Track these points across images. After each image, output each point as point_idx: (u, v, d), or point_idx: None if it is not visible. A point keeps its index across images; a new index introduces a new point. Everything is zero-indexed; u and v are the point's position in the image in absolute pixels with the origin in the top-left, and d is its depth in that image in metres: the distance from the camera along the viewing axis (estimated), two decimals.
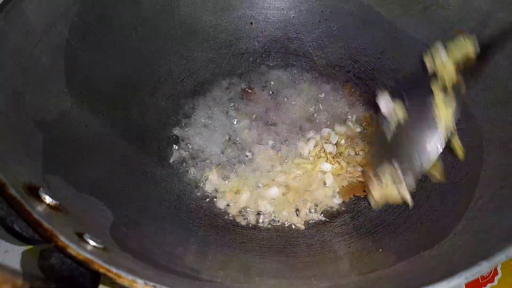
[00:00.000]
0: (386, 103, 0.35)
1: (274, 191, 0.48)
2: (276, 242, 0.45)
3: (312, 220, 0.47)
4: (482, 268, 0.28)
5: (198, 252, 0.39)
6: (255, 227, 0.45)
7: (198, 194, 0.49)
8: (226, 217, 0.47)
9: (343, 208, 0.48)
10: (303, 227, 0.46)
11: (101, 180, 0.42)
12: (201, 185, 0.49)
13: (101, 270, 0.27)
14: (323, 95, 0.57)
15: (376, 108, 0.41)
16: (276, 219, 0.47)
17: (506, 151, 0.40)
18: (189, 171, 0.50)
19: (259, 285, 0.35)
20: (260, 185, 0.49)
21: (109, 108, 0.48)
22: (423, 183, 0.44)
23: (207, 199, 0.48)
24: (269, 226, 0.47)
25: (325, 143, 0.52)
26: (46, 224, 0.28)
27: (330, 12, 0.57)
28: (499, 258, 0.29)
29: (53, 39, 0.44)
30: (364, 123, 0.54)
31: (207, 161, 0.51)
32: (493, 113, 0.44)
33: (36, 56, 0.42)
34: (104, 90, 0.48)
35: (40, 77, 0.42)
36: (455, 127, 0.35)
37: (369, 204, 0.45)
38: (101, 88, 0.48)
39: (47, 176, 0.36)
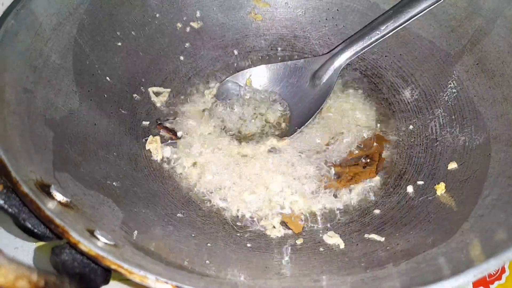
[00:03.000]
0: None
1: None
2: None
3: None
4: (489, 266, 0.28)
5: (206, 249, 0.39)
6: (263, 227, 0.45)
7: None
8: None
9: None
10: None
11: (109, 177, 0.42)
12: None
13: (113, 266, 0.28)
14: None
15: None
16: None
17: None
18: None
19: (266, 283, 0.36)
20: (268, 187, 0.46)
21: (116, 106, 0.49)
22: (430, 180, 0.44)
23: None
24: None
25: None
26: (58, 221, 0.29)
27: (337, 10, 0.57)
28: (507, 256, 0.29)
29: (62, 38, 0.44)
30: None
31: None
32: (500, 110, 0.44)
33: (46, 55, 0.42)
34: (111, 88, 0.49)
35: (50, 75, 0.42)
36: None
37: (376, 201, 0.45)
38: (108, 87, 0.49)
39: (58, 174, 0.36)
